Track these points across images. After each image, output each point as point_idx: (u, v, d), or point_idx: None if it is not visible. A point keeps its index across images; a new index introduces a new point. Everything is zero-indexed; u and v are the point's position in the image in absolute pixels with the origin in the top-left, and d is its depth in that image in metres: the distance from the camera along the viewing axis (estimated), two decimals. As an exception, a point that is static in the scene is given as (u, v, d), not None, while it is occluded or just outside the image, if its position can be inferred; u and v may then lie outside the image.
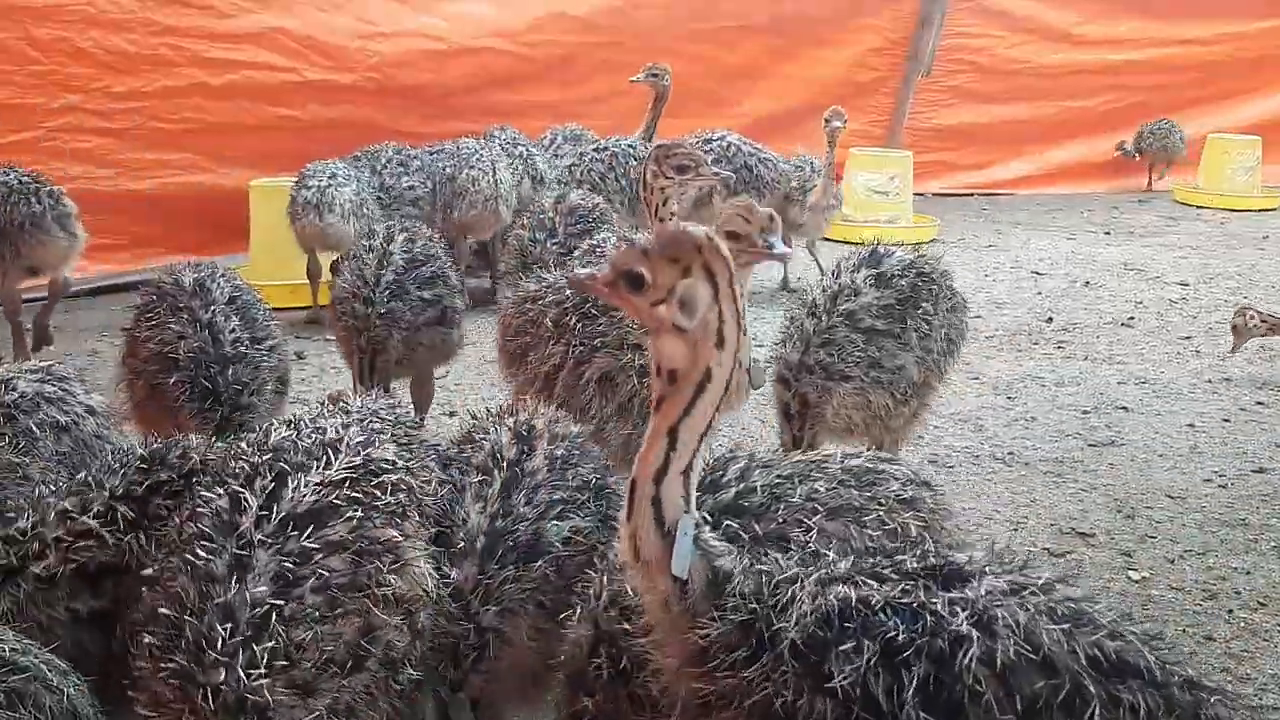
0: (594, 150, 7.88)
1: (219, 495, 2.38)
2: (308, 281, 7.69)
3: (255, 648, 2.14)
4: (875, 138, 12.73)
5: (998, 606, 1.89)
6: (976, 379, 6.75)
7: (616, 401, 3.78)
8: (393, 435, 2.75)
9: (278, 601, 2.19)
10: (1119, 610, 2.04)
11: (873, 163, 11.37)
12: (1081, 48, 13.35)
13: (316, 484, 2.39)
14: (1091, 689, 1.81)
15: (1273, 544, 4.72)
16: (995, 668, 1.81)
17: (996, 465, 5.52)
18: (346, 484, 2.42)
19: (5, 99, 7.72)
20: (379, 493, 2.46)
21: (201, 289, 4.07)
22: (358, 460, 2.50)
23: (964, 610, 1.87)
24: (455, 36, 9.62)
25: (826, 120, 8.25)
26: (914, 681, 1.79)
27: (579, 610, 2.43)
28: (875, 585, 1.94)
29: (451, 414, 5.78)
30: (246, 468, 2.45)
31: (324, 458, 2.47)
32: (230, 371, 3.88)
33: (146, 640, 2.24)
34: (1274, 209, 12.91)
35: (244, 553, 2.25)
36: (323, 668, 2.22)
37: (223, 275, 4.25)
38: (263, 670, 2.13)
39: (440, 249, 5.09)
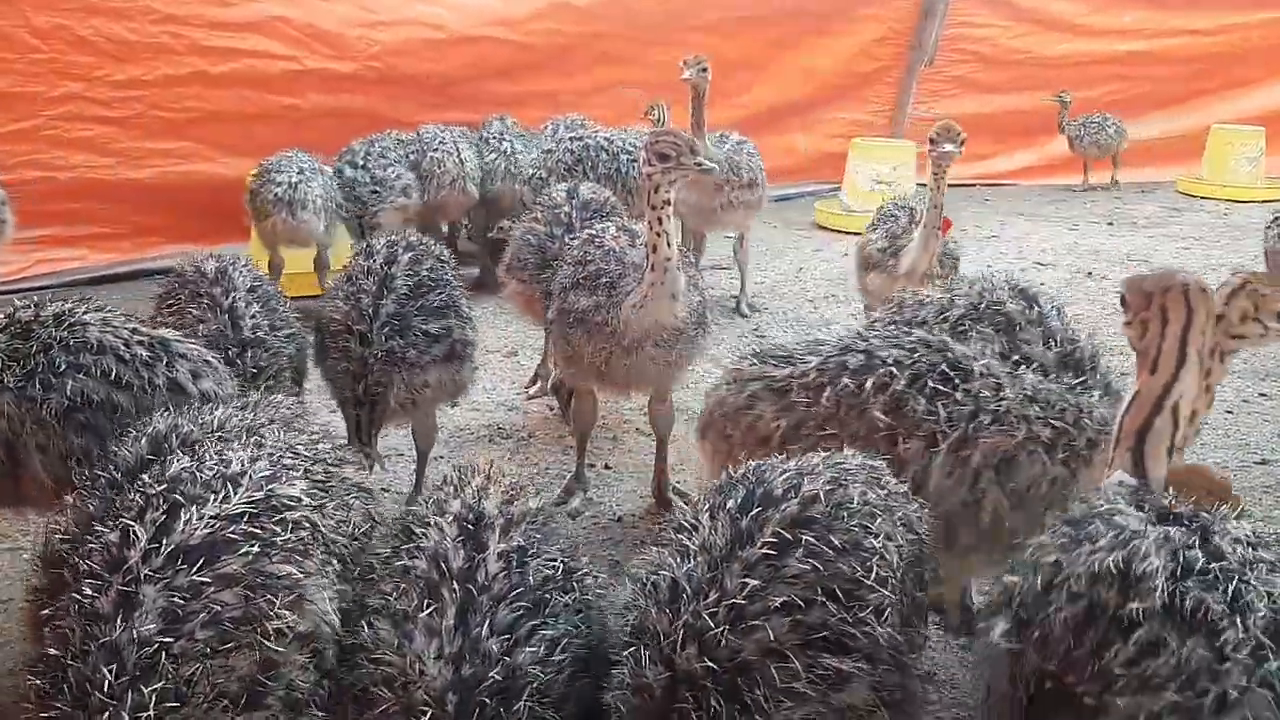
0: (569, 139, 7.78)
1: (109, 529, 2.32)
2: (314, 271, 7.71)
3: (144, 689, 2.06)
4: (878, 128, 12.70)
5: None
6: (978, 370, 6.72)
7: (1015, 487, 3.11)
8: (307, 472, 2.60)
9: (166, 639, 2.12)
10: None
11: (875, 153, 11.34)
12: (1085, 38, 13.30)
13: (211, 517, 2.31)
14: None
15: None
16: None
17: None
18: (245, 518, 2.34)
19: (5, 87, 7.70)
20: (279, 529, 2.37)
21: (223, 276, 4.08)
22: (259, 495, 2.41)
23: None
24: (456, 25, 9.59)
25: (932, 142, 5.38)
26: None
27: (638, 654, 2.24)
28: None
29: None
30: (140, 500, 2.39)
31: (222, 491, 2.39)
32: (249, 355, 3.88)
33: (30, 683, 2.17)
34: (1277, 200, 12.88)
35: (130, 589, 2.17)
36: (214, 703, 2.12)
37: (245, 265, 4.24)
38: (151, 714, 2.05)
39: (450, 270, 4.59)
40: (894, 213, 6.07)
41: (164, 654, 2.10)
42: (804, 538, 2.28)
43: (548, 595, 2.38)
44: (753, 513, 2.34)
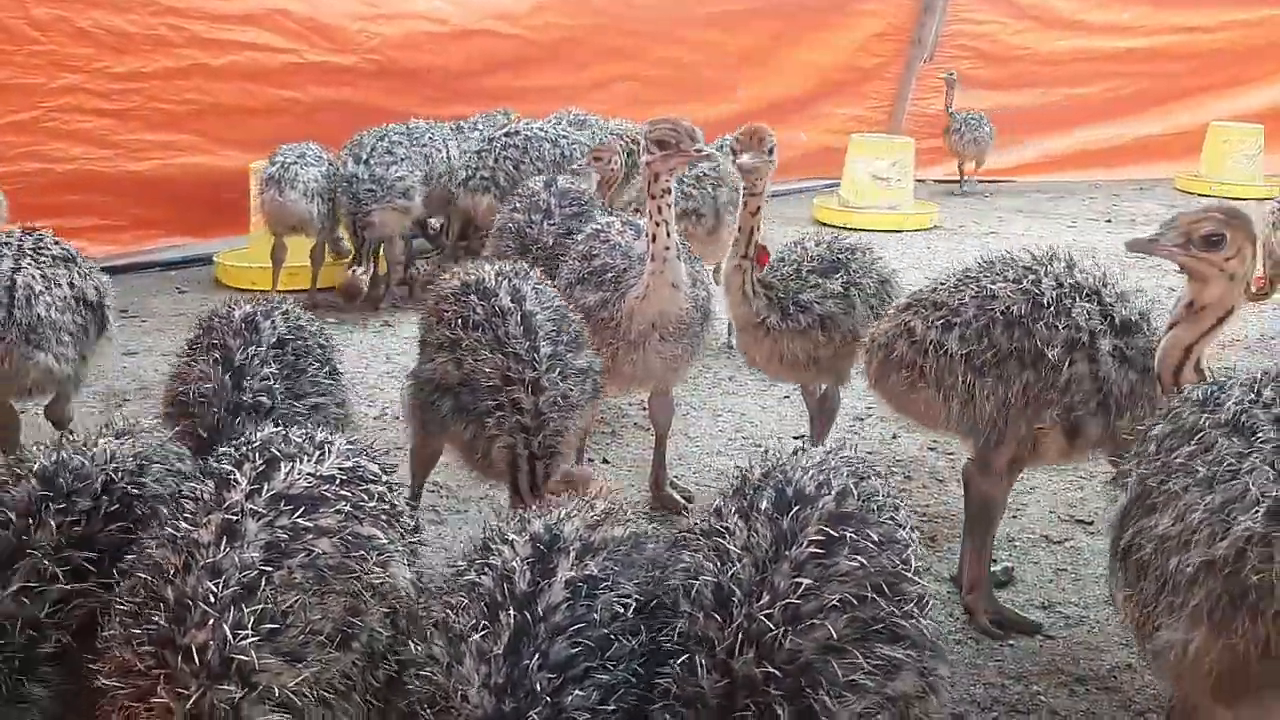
0: (504, 135, 7.63)
1: (205, 482, 2.38)
2: (309, 264, 7.72)
3: (245, 608, 2.09)
4: (877, 123, 12.72)
5: None
6: (977, 366, 6.75)
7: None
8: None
9: (267, 568, 2.17)
10: None
11: (874, 149, 11.36)
12: (1085, 34, 13.32)
13: (308, 474, 2.39)
14: None
15: (1271, 533, 4.73)
16: None
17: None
18: (337, 481, 2.43)
19: (4, 79, 7.69)
20: (365, 496, 2.47)
21: (249, 326, 3.50)
22: (348, 464, 2.52)
23: None
24: (457, 19, 9.61)
25: (733, 151, 4.51)
26: None
27: (690, 663, 2.16)
28: None
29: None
30: (236, 455, 2.46)
31: (315, 453, 2.49)
32: (237, 421, 3.27)
33: (119, 607, 2.19)
34: (1275, 198, 12.88)
35: (235, 518, 2.23)
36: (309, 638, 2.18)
37: (283, 313, 3.63)
38: (249, 632, 2.08)
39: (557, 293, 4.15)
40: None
41: (264, 580, 2.14)
42: (847, 534, 2.29)
43: (612, 636, 2.18)
44: (792, 512, 2.32)
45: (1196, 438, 2.50)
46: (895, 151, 11.27)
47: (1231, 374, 2.72)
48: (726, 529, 2.35)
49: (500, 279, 3.79)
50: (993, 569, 4.15)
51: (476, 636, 2.13)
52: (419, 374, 3.90)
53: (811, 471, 2.47)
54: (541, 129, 7.64)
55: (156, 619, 2.09)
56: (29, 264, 4.22)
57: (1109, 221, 11.46)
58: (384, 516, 2.50)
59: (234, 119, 8.60)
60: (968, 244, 10.13)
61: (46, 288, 4.21)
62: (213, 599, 2.08)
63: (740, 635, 2.15)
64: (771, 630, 2.14)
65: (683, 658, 2.17)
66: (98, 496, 2.54)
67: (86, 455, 2.63)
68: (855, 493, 2.42)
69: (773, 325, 4.37)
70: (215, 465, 2.46)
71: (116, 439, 2.76)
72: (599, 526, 2.41)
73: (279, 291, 7.66)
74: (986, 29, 13.06)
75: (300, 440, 2.54)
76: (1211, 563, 2.29)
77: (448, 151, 7.88)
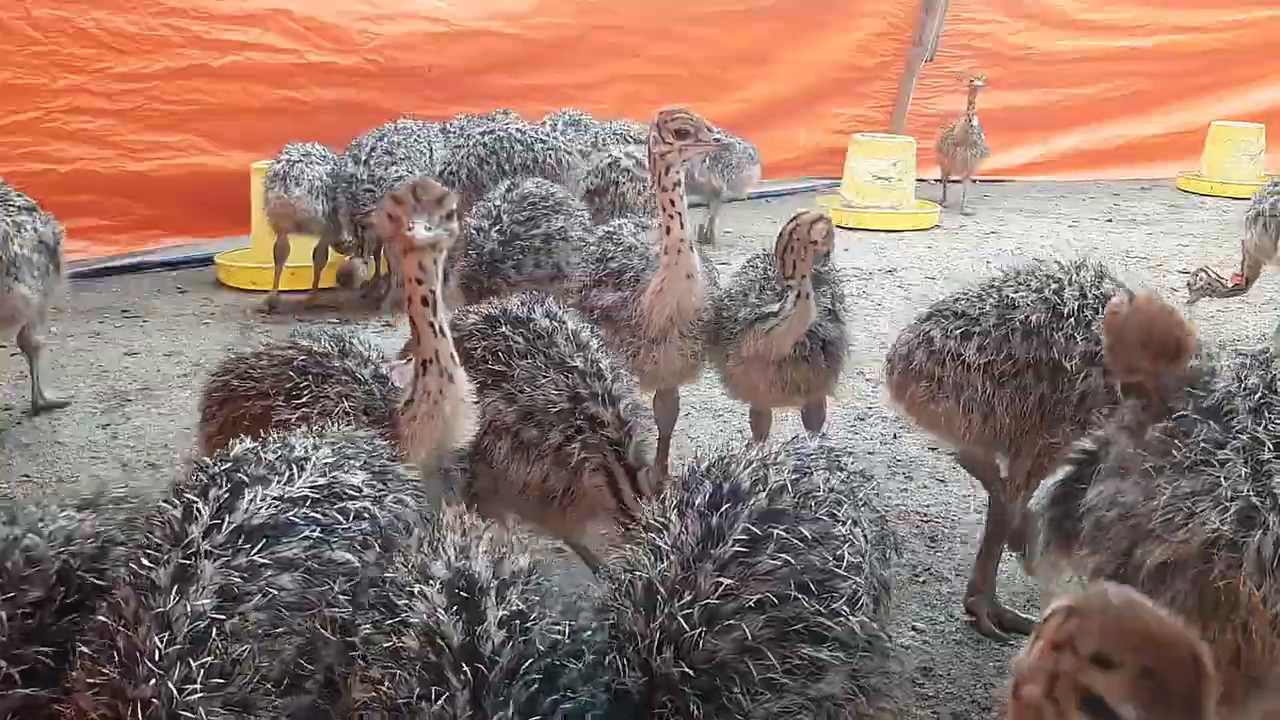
0: (479, 135, 7.49)
1: (173, 505, 2.28)
2: (311, 264, 7.72)
3: (193, 662, 2.03)
4: (878, 123, 12.71)
5: None
6: (977, 366, 6.75)
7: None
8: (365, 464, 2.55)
9: (219, 615, 2.09)
10: None
11: (875, 148, 11.35)
12: (1086, 34, 13.29)
13: (274, 498, 2.28)
14: None
15: (1272, 532, 4.72)
16: None
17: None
18: (308, 502, 2.32)
19: (6, 79, 7.70)
20: (340, 516, 2.35)
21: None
22: (322, 480, 2.39)
23: None
24: (457, 19, 9.60)
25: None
26: None
27: (616, 660, 2.19)
28: None
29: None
30: (204, 479, 2.35)
31: (286, 473, 2.36)
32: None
33: (83, 647, 2.13)
34: (1251, 196, 12.86)
35: (189, 562, 2.14)
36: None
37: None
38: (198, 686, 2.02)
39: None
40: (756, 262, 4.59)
41: (214, 630, 2.08)
42: (774, 532, 2.27)
43: (559, 663, 2.08)
44: (722, 509, 2.31)
45: (1175, 416, 2.42)
46: (896, 151, 11.26)
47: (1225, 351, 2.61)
48: (664, 524, 2.36)
49: (526, 304, 3.63)
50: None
51: (433, 707, 1.96)
52: None
53: (753, 466, 2.45)
54: (519, 131, 7.51)
55: (109, 669, 2.07)
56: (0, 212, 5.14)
57: (1110, 221, 11.45)
58: (361, 537, 2.36)
59: (235, 119, 8.61)
60: (969, 243, 10.14)
61: (18, 231, 5.16)
62: (158, 654, 2.03)
63: (660, 634, 2.17)
64: (688, 631, 2.15)
65: (609, 654, 2.18)
66: (52, 586, 2.29)
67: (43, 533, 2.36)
68: (792, 488, 2.39)
69: (785, 356, 4.24)
70: (185, 487, 2.34)
71: (78, 512, 2.49)
72: (501, 559, 2.23)
73: (279, 291, 7.71)
74: (988, 28, 13.04)
75: (275, 456, 2.42)
76: (1178, 563, 2.22)
77: (431, 154, 7.79)
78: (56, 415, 5.75)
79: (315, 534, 2.27)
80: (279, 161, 7.40)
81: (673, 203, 4.09)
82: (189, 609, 2.08)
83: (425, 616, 2.07)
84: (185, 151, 8.54)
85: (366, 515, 2.40)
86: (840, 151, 11.67)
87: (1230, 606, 2.15)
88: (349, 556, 2.30)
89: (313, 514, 2.30)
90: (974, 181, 11.81)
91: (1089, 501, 2.51)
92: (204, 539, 2.18)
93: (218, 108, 8.54)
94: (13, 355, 6.59)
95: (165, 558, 2.17)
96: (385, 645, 2.07)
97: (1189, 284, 7.14)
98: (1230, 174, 13.01)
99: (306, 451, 2.46)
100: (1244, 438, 2.30)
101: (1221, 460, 2.27)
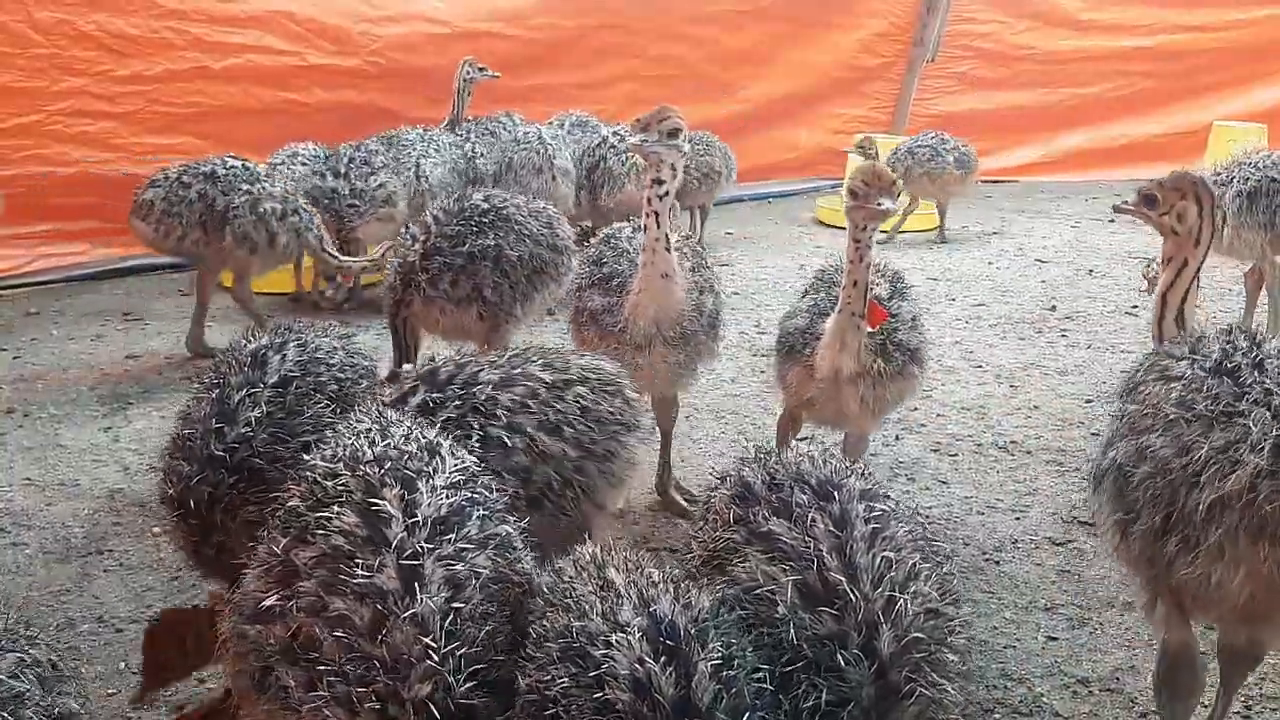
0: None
1: (339, 514, 2.28)
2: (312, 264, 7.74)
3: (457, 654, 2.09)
4: (879, 124, 12.69)
5: None
6: (979, 367, 6.75)
7: None
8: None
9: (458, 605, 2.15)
10: None
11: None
12: (1088, 34, 13.27)
13: (443, 488, 2.37)
14: None
15: (1275, 534, 4.71)
16: None
17: (999, 454, 5.52)
18: (462, 486, 2.43)
19: (7, 82, 7.71)
20: (485, 491, 2.48)
21: (257, 361, 3.34)
22: (460, 462, 2.51)
23: None
24: (458, 20, 9.60)
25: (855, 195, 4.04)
26: None
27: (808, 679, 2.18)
28: None
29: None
30: (366, 477, 2.36)
31: (432, 462, 2.45)
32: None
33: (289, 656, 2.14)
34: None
35: (413, 562, 2.18)
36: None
37: (299, 346, 3.43)
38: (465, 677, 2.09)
39: None
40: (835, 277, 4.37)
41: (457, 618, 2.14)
42: (882, 506, 2.45)
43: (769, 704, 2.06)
44: (829, 495, 2.42)
45: (1183, 381, 2.76)
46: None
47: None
48: (766, 530, 2.42)
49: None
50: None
51: None
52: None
53: (816, 462, 2.58)
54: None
55: (366, 674, 2.07)
56: None
57: (1112, 221, 11.43)
58: (500, 509, 2.49)
59: (237, 121, 8.61)
60: (970, 244, 10.13)
61: None
62: (431, 652, 2.08)
63: (870, 625, 2.21)
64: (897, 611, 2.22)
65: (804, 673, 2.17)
66: None
67: None
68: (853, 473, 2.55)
69: (878, 371, 4.04)
70: (348, 490, 2.34)
71: None
72: (689, 601, 2.16)
73: (303, 290, 7.81)
74: (990, 29, 13.02)
75: (409, 448, 2.49)
76: (1224, 499, 2.53)
77: (416, 170, 7.76)
78: (58, 418, 5.75)
79: (481, 514, 2.38)
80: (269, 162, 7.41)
81: (649, 201, 4.08)
82: (435, 606, 2.13)
83: (630, 668, 1.97)
84: (187, 154, 8.49)
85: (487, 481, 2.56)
86: (842, 152, 11.64)
87: (1277, 525, 2.50)
88: (507, 528, 2.43)
89: (472, 495, 2.42)
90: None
91: (1107, 463, 2.85)
92: (410, 537, 2.22)
93: (219, 110, 8.54)
94: (15, 359, 6.61)
95: (381, 563, 2.18)
96: (589, 699, 1.97)
97: (1143, 274, 7.12)
98: (1232, 174, 12.97)
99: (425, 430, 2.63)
100: (1257, 389, 2.64)
101: (1244, 411, 2.60)
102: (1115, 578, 4.31)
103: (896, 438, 5.67)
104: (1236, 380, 2.69)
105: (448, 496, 2.34)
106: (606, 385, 3.28)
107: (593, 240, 4.77)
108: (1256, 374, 2.69)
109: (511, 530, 2.43)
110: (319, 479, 2.42)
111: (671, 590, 2.16)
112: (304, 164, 7.52)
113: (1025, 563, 4.48)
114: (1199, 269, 3.51)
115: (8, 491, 4.92)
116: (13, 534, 4.56)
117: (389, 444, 2.51)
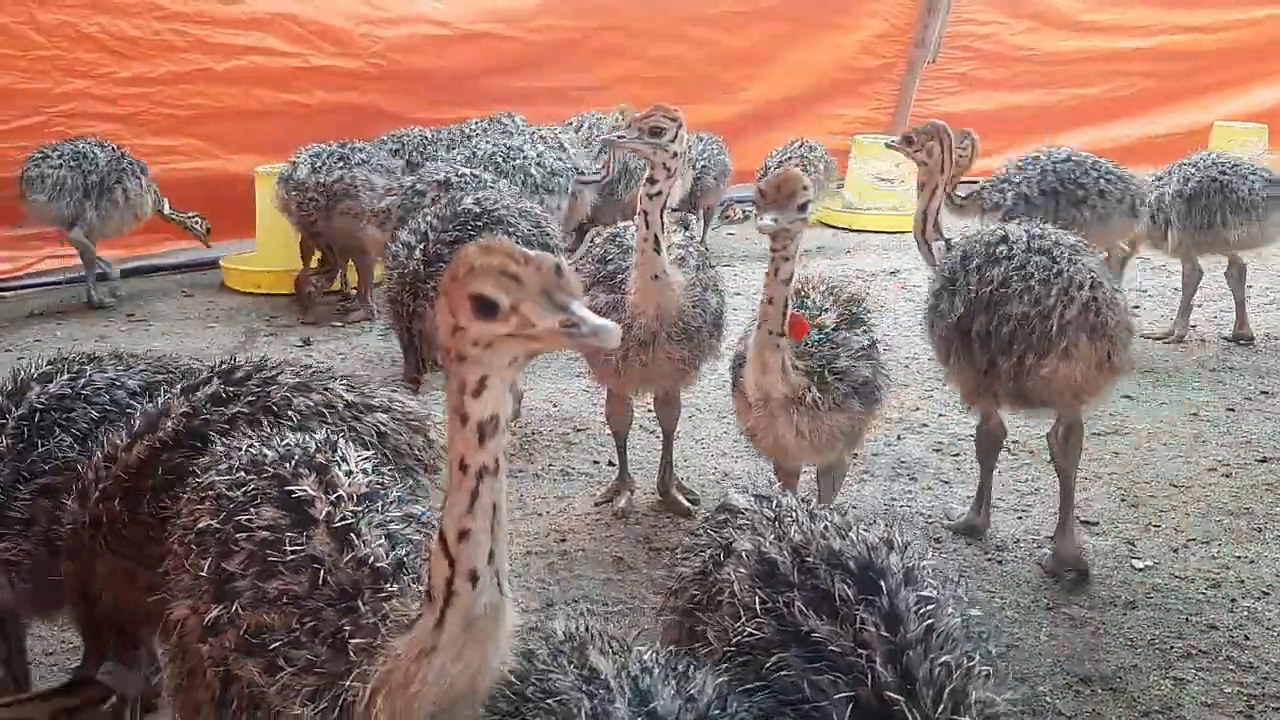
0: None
1: (258, 514, 2.28)
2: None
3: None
4: (880, 125, 12.69)
5: None
6: (981, 367, 6.75)
7: None
8: None
9: None
10: None
11: (877, 150, 11.33)
12: (1089, 34, 13.27)
13: (357, 471, 2.39)
14: None
15: (1277, 533, 4.73)
16: None
17: (1001, 454, 5.52)
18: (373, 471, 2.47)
19: (10, 84, 7.73)
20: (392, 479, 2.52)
21: None
22: (367, 454, 2.54)
23: None
24: (460, 22, 9.62)
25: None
26: None
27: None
28: None
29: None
30: (271, 481, 2.34)
31: (339, 453, 2.48)
32: None
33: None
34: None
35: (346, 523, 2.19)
36: None
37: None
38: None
39: None
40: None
41: None
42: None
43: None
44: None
45: (1006, 260, 4.20)
46: (898, 153, 11.21)
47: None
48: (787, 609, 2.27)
49: None
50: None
51: None
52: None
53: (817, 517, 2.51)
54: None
55: (319, 627, 2.04)
56: None
57: (1113, 221, 11.43)
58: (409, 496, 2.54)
59: (239, 123, 8.64)
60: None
61: None
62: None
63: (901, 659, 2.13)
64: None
65: None
66: None
67: None
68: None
69: (813, 401, 3.70)
70: (261, 490, 2.30)
71: None
72: (691, 686, 2.02)
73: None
74: (991, 29, 13.01)
75: (310, 444, 2.51)
76: (1068, 318, 3.97)
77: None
78: (62, 419, 5.75)
79: None
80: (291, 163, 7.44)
81: (639, 200, 4.12)
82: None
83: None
84: (189, 155, 8.57)
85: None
86: (842, 153, 11.65)
87: (1106, 323, 4.04)
88: None
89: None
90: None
91: (981, 327, 4.18)
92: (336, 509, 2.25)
93: (221, 111, 8.57)
94: (18, 359, 6.62)
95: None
96: None
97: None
98: (1233, 174, 12.98)
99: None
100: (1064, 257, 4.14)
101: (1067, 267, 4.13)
102: (1118, 578, 4.33)
103: (899, 437, 5.68)
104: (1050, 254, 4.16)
105: (364, 477, 2.33)
106: (410, 418, 3.10)
107: (596, 239, 4.80)
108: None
109: (426, 510, 2.37)
110: (224, 491, 2.34)
111: (670, 677, 1.99)
112: None
113: (1027, 562, 4.49)
114: (944, 189, 5.27)
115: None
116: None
117: (289, 444, 2.46)
